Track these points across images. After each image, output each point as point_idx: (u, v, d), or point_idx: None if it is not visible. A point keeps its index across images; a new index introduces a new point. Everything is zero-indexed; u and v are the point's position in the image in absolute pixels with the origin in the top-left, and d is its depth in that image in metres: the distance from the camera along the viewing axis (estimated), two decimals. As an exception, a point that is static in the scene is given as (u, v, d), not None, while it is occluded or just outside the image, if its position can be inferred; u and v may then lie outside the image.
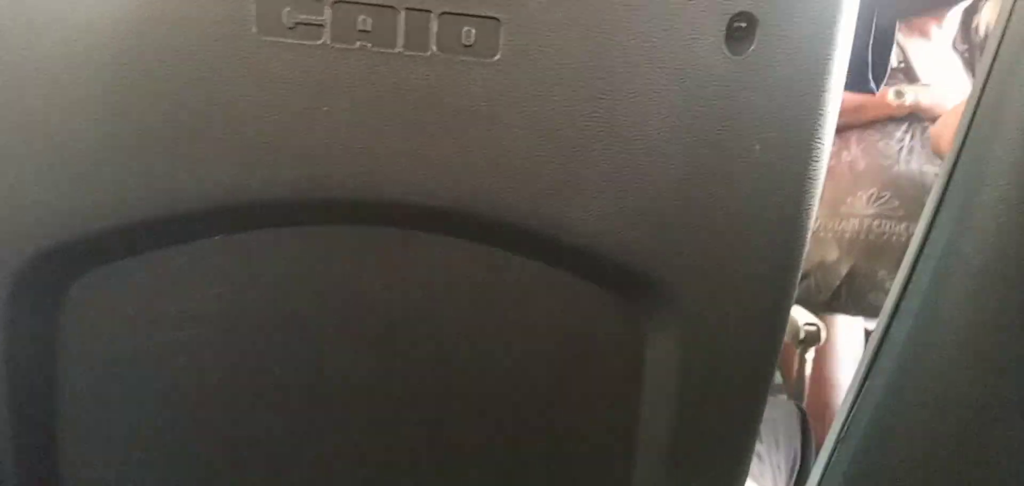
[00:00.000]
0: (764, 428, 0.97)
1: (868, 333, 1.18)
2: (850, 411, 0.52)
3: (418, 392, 0.43)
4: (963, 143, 0.44)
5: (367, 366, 0.42)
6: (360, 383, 0.42)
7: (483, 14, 0.35)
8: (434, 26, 0.35)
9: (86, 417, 0.42)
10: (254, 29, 0.35)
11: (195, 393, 0.42)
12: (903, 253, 0.48)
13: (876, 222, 1.34)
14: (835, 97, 0.40)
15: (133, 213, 0.37)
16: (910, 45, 1.40)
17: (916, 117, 1.35)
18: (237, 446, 0.43)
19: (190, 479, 0.44)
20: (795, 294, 0.45)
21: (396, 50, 0.35)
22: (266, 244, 0.40)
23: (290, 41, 0.35)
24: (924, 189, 1.29)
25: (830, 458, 0.53)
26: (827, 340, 1.27)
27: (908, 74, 1.39)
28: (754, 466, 0.92)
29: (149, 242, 0.39)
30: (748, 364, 0.46)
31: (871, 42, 0.96)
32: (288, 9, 0.35)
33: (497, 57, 0.36)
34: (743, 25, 0.37)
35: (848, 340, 1.47)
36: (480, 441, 0.45)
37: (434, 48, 0.35)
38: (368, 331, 0.42)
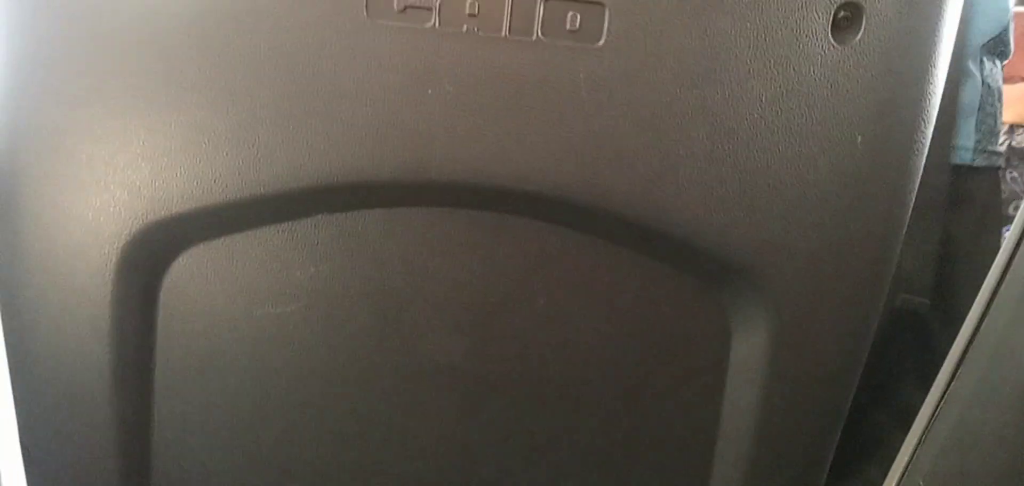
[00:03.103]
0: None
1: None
2: (934, 411, 0.51)
3: (506, 374, 0.44)
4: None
5: (458, 346, 0.43)
6: (451, 362, 0.43)
7: (589, 0, 0.35)
8: (540, 11, 0.36)
9: (182, 387, 0.44)
10: (364, 12, 0.35)
11: (288, 367, 0.43)
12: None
13: None
14: (938, 89, 0.39)
15: (240, 190, 0.38)
16: None
17: None
18: (328, 421, 0.44)
19: (280, 449, 0.45)
20: (887, 291, 0.44)
21: (502, 34, 0.36)
22: (364, 224, 0.40)
23: (399, 24, 0.36)
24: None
25: (910, 460, 0.52)
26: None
27: None
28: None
29: (252, 219, 0.40)
30: (835, 364, 0.45)
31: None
32: (397, -7, 0.35)
33: (601, 43, 0.36)
34: (848, 15, 0.37)
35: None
36: (562, 423, 0.45)
37: (539, 33, 0.36)
38: (460, 313, 0.42)
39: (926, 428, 0.52)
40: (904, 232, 0.42)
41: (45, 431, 0.45)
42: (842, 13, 0.37)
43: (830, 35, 0.37)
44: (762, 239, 0.39)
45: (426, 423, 0.44)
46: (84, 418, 0.43)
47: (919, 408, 0.47)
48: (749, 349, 0.44)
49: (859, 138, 0.39)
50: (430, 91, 0.36)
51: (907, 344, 0.64)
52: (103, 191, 0.38)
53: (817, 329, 0.43)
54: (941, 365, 0.48)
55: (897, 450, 0.55)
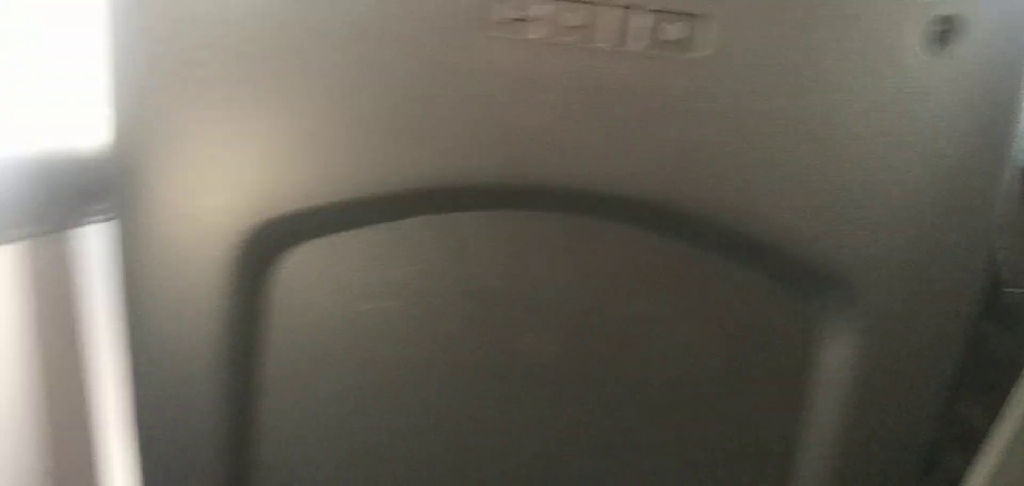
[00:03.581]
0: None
1: None
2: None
3: (595, 375, 0.45)
4: None
5: (550, 348, 0.44)
6: (542, 363, 0.45)
7: (687, 11, 0.37)
8: (639, 22, 0.37)
9: (285, 375, 0.46)
10: (475, 23, 0.38)
11: (386, 361, 0.45)
12: None
13: None
14: None
15: (350, 191, 0.40)
16: None
17: None
18: (421, 414, 0.46)
19: (375, 437, 0.47)
20: (977, 301, 0.44)
21: (602, 45, 0.38)
22: (464, 226, 0.42)
23: (507, 36, 0.38)
24: None
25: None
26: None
27: None
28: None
29: (359, 219, 0.42)
30: (924, 375, 0.45)
31: None
32: (506, 5, 0.37)
33: (697, 54, 0.37)
34: (943, 27, 0.38)
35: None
36: (648, 426, 0.46)
37: (640, 44, 0.37)
38: (553, 315, 0.44)
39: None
40: (991, 239, 0.43)
41: (157, 411, 0.48)
42: (937, 26, 0.38)
43: (924, 47, 0.38)
44: (853, 248, 0.40)
45: (516, 419, 0.46)
46: (195, 400, 0.46)
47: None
48: (836, 359, 0.44)
49: (948, 148, 0.39)
50: (533, 100, 0.38)
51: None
52: (223, 189, 0.41)
53: (906, 340, 0.44)
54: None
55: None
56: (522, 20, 0.38)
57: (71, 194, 0.48)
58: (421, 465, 0.47)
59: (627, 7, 0.37)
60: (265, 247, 0.43)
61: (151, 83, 0.41)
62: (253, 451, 0.48)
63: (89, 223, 0.49)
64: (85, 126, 0.48)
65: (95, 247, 0.52)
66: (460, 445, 0.47)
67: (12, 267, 0.46)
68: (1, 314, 0.46)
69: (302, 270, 0.44)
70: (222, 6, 0.39)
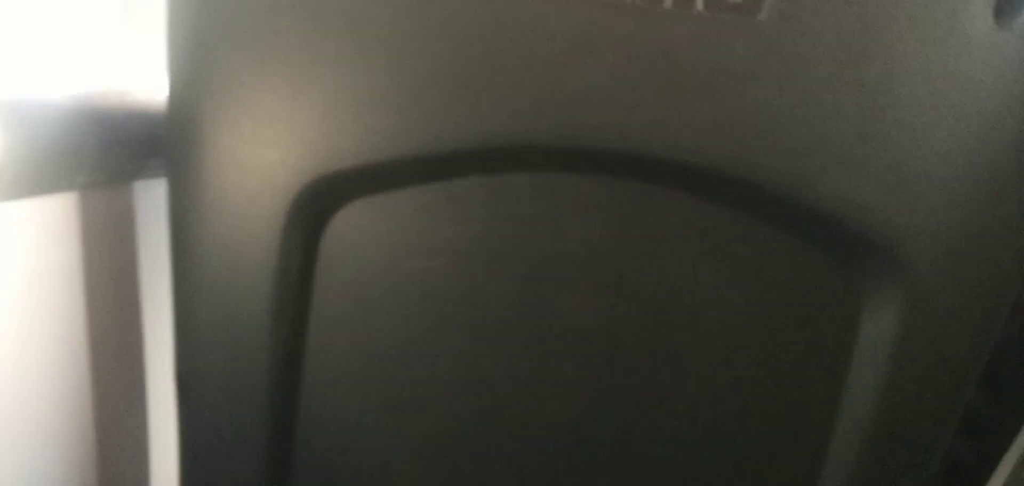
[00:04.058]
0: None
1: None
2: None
3: (638, 340, 0.45)
4: None
5: (594, 313, 0.45)
6: (586, 328, 0.45)
7: (752, -25, 0.37)
8: (704, -15, 0.37)
9: (333, 330, 0.47)
10: None
11: (432, 319, 0.46)
12: None
13: None
14: None
15: (405, 149, 0.41)
16: None
17: None
18: (464, 372, 0.47)
19: (418, 393, 0.47)
20: (1018, 282, 0.44)
21: (664, 6, 0.37)
22: (513, 187, 0.43)
23: (566, -6, 0.38)
24: None
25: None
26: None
27: None
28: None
29: (412, 177, 0.43)
30: (963, 349, 0.45)
31: None
32: (567, -35, 0.37)
33: (761, 17, 0.37)
34: (1012, -2, 0.37)
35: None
36: (687, 391, 0.46)
37: (700, 6, 0.37)
38: (599, 278, 0.44)
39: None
40: None
41: (203, 361, 0.48)
42: (1006, -5, 0.37)
43: (992, 16, 0.37)
44: (906, 218, 0.40)
45: (560, 383, 0.46)
46: (242, 352, 0.47)
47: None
48: (878, 329, 0.44)
49: (1013, 122, 0.39)
50: (590, 60, 0.38)
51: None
52: (280, 144, 0.42)
53: (949, 313, 0.43)
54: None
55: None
56: (583, -20, 0.37)
57: (130, 145, 0.48)
58: (463, 424, 0.48)
59: (691, -32, 0.37)
60: (320, 203, 0.44)
61: (206, 38, 0.41)
62: (298, 408, 0.49)
63: (147, 176, 0.50)
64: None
65: (152, 201, 0.53)
66: (503, 406, 0.47)
67: (67, 216, 0.46)
68: (53, 263, 0.47)
69: (353, 228, 0.45)
70: None
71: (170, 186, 0.45)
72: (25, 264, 0.44)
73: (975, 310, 0.44)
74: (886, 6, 0.37)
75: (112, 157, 0.46)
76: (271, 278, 0.45)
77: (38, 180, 0.39)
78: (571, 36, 0.38)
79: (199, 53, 0.41)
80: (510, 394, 0.47)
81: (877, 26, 0.37)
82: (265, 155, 0.42)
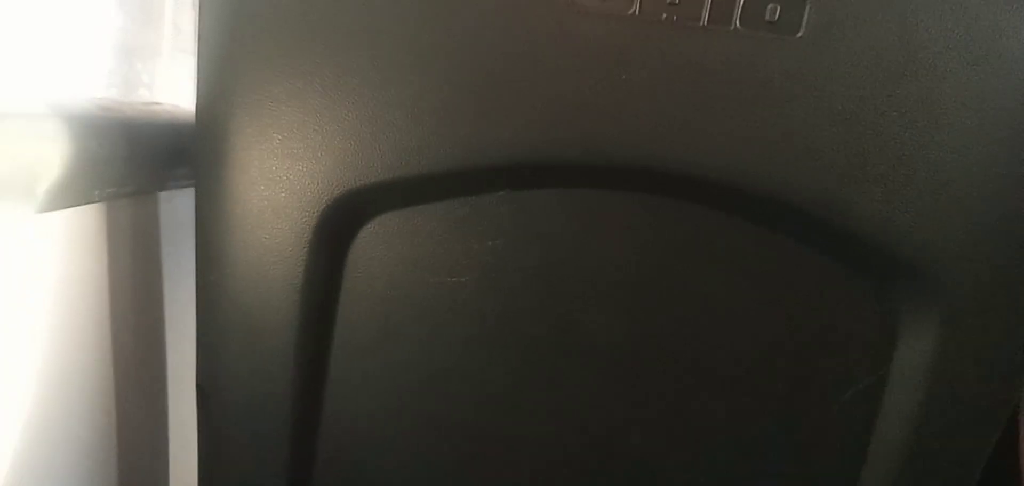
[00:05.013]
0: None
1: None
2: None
3: (666, 361, 0.45)
4: None
5: (621, 329, 0.44)
6: (613, 345, 0.44)
7: (790, -8, 0.36)
8: (741, 1, 0.36)
9: (357, 344, 0.46)
10: None
11: (457, 334, 0.45)
12: None
13: None
14: None
15: (436, 164, 0.40)
16: None
17: None
18: (489, 387, 0.46)
19: (442, 409, 0.47)
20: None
21: (700, 24, 0.37)
22: (541, 202, 0.42)
23: (600, 10, 0.37)
24: None
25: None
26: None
27: None
28: None
29: (441, 192, 0.42)
30: (1002, 374, 0.44)
31: None
32: (601, -20, 0.37)
33: (799, 35, 0.36)
34: (1055, 17, 0.36)
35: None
36: (715, 412, 0.46)
37: (737, 23, 0.37)
38: (627, 296, 0.43)
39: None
40: None
41: (225, 373, 0.48)
42: (1048, 15, 0.36)
43: None
44: (945, 240, 0.39)
45: (585, 399, 0.46)
46: (266, 365, 0.46)
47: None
48: (914, 353, 0.43)
49: None
50: (625, 77, 0.38)
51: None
52: (308, 158, 0.41)
53: (986, 338, 0.43)
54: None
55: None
56: (617, -4, 0.37)
57: (156, 156, 0.48)
58: (487, 440, 0.47)
59: (727, -15, 0.36)
60: (348, 217, 0.43)
61: (236, 52, 0.41)
62: (320, 421, 0.48)
63: (172, 187, 0.50)
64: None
65: (175, 211, 0.53)
66: (528, 421, 0.46)
67: (94, 226, 0.46)
68: (80, 273, 0.47)
69: (380, 242, 0.44)
70: None
71: (197, 197, 0.45)
72: (52, 275, 0.44)
73: (1014, 335, 0.43)
74: (926, 25, 0.36)
75: (139, 168, 0.46)
76: (297, 291, 0.44)
77: (68, 193, 0.39)
78: (605, 52, 0.38)
79: (229, 66, 0.41)
80: (536, 409, 0.46)
81: (917, 45, 0.36)
82: (293, 168, 0.42)
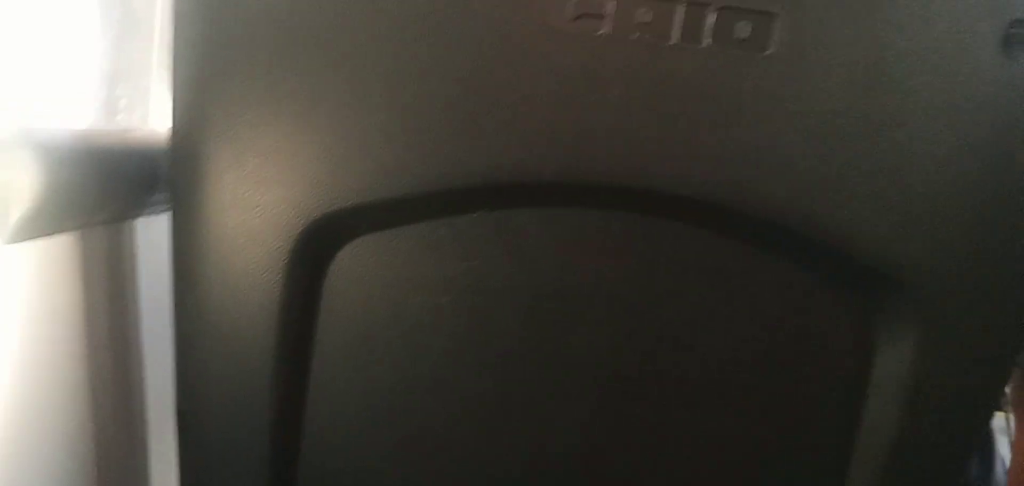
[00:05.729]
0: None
1: None
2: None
3: (646, 378, 0.45)
4: None
5: (601, 348, 0.44)
6: (593, 364, 0.44)
7: (759, 9, 0.36)
8: (711, 19, 0.37)
9: (337, 368, 0.46)
10: (539, 18, 0.37)
11: (438, 356, 0.45)
12: None
13: None
14: None
15: (411, 187, 0.40)
16: None
17: None
18: (471, 409, 0.46)
19: (424, 432, 0.47)
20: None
21: (671, 42, 0.37)
22: (519, 222, 0.42)
23: (572, 31, 0.37)
24: None
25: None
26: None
27: None
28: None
29: (417, 214, 0.42)
30: (980, 381, 0.44)
31: None
32: (574, 1, 0.37)
33: (769, 51, 0.37)
34: (1020, 31, 0.37)
35: None
36: (698, 427, 0.46)
37: (709, 41, 0.37)
38: (607, 314, 0.43)
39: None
40: None
41: (204, 400, 0.48)
42: (1014, 28, 0.37)
43: (1001, 51, 0.37)
44: (918, 252, 0.40)
45: (567, 418, 0.45)
46: (245, 390, 0.46)
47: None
48: (893, 362, 0.43)
49: (1020, 154, 0.39)
50: (597, 96, 0.38)
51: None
52: (283, 183, 0.41)
53: (964, 346, 0.43)
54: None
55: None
56: (590, 16, 0.37)
57: (132, 183, 0.48)
58: (470, 462, 0.47)
59: (700, 4, 0.36)
60: (322, 242, 0.43)
61: (210, 75, 0.41)
62: (300, 446, 0.48)
63: (149, 213, 0.50)
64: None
65: (152, 238, 0.53)
66: (511, 443, 0.46)
67: (68, 256, 0.46)
68: (54, 305, 0.46)
69: (357, 265, 0.44)
70: (284, 2, 0.39)
71: (173, 223, 0.44)
72: (24, 307, 0.43)
73: (990, 342, 0.43)
74: (895, 40, 0.37)
75: (113, 196, 0.45)
76: (274, 316, 0.44)
77: (40, 223, 0.39)
78: (577, 71, 0.38)
79: (202, 90, 0.41)
80: (518, 431, 0.46)
81: (886, 60, 0.37)
82: (269, 193, 0.42)
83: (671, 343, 0.44)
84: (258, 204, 0.42)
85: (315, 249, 0.43)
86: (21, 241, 0.39)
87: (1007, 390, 0.92)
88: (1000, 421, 1.08)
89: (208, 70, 0.41)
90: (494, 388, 0.45)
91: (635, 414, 0.45)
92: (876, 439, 0.45)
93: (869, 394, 0.45)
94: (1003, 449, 1.04)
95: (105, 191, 0.44)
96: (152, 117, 0.54)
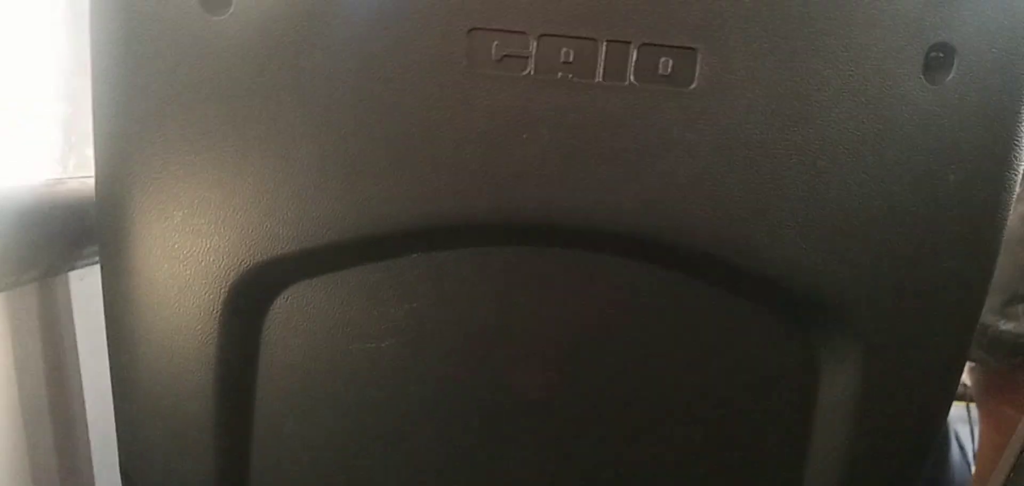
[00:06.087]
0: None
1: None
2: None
3: (592, 411, 0.44)
4: None
5: (545, 383, 0.44)
6: (538, 399, 0.44)
7: (681, 45, 0.36)
8: (633, 56, 0.37)
9: (280, 417, 0.45)
10: (464, 62, 0.37)
11: (381, 400, 0.44)
12: None
13: None
14: None
15: (343, 233, 0.40)
16: None
17: None
18: (417, 452, 0.45)
19: (370, 479, 0.46)
20: (976, 327, 0.44)
21: (595, 80, 0.37)
22: (457, 263, 0.42)
23: (497, 73, 0.37)
24: None
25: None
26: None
27: None
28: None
29: (352, 259, 0.42)
30: (926, 400, 0.45)
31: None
32: (496, 43, 0.37)
33: (693, 86, 0.37)
34: (941, 55, 0.37)
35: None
36: (647, 461, 0.45)
37: (632, 78, 0.37)
38: (548, 350, 0.43)
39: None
40: (994, 269, 0.42)
41: (147, 457, 0.47)
42: (934, 53, 0.37)
43: (923, 76, 0.37)
44: (854, 277, 0.40)
45: (512, 458, 0.45)
46: (187, 445, 0.45)
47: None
48: (838, 388, 0.43)
49: (951, 176, 0.39)
50: (526, 136, 0.38)
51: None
52: (213, 232, 0.41)
53: (908, 366, 0.43)
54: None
55: None
56: (512, 57, 0.37)
57: (61, 238, 0.47)
58: None
59: (621, 41, 0.36)
60: (256, 291, 0.42)
61: (132, 125, 0.40)
62: (247, 490, 0.47)
63: (83, 266, 0.49)
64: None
65: (91, 288, 0.51)
66: (455, 482, 0.46)
67: (-2, 315, 0.45)
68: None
69: (295, 311, 0.43)
70: (206, 48, 0.38)
71: (103, 277, 0.43)
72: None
73: (933, 361, 0.43)
74: (817, 71, 0.37)
75: (39, 252, 0.44)
76: (211, 368, 0.43)
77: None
78: (505, 113, 0.38)
79: (125, 142, 0.40)
80: (465, 472, 0.46)
81: (809, 91, 0.37)
82: (198, 244, 0.41)
83: (616, 378, 0.44)
84: (187, 256, 0.41)
85: (249, 299, 0.42)
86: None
87: (968, 383, 0.93)
88: (960, 410, 1.10)
89: (129, 122, 0.40)
90: (440, 428, 0.45)
91: (583, 451, 0.45)
92: (826, 465, 0.45)
93: (816, 421, 0.45)
94: (963, 432, 1.05)
95: (30, 248, 0.43)
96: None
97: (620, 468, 0.45)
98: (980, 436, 0.94)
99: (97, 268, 0.45)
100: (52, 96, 0.54)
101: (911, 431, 0.46)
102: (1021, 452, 0.49)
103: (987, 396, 0.89)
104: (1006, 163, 0.40)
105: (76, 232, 0.48)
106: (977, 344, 0.79)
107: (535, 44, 0.37)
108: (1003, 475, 0.51)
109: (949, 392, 0.46)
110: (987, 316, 0.78)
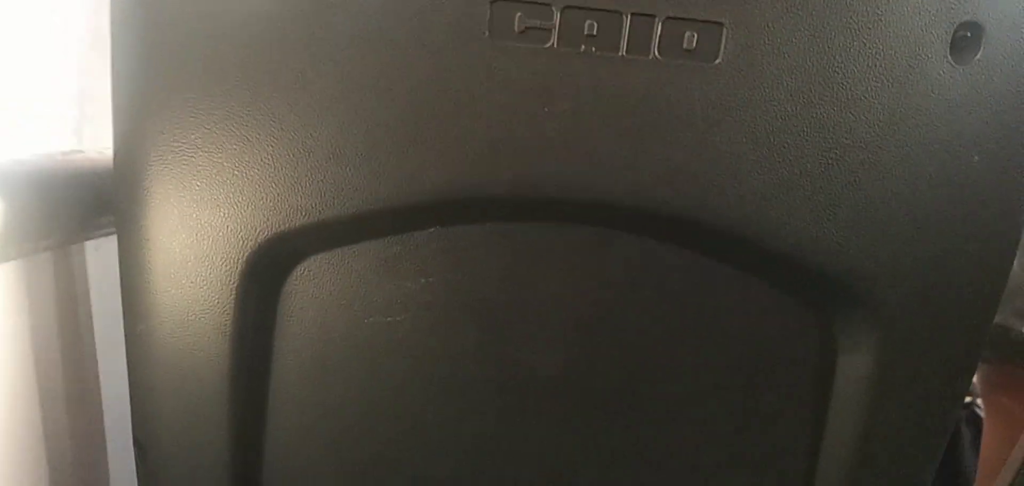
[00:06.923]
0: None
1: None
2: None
3: (606, 388, 0.44)
4: None
5: (560, 361, 0.43)
6: (552, 378, 0.44)
7: (707, 19, 0.36)
8: (658, 30, 0.36)
9: (294, 389, 0.45)
10: (486, 33, 0.37)
11: (395, 374, 0.44)
12: None
13: None
14: None
15: (361, 205, 0.39)
16: None
17: None
18: (430, 426, 0.45)
19: (384, 452, 0.46)
20: (995, 312, 0.44)
21: (619, 54, 0.37)
22: (474, 237, 0.41)
23: (519, 45, 0.37)
24: None
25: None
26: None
27: None
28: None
29: (369, 232, 0.41)
30: (942, 384, 0.44)
31: None
32: (520, 14, 0.36)
33: (718, 61, 0.36)
34: (968, 35, 0.37)
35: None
36: (661, 439, 0.45)
37: (656, 52, 0.36)
38: (564, 327, 0.43)
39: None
40: (1014, 254, 0.42)
41: (161, 427, 0.47)
42: (962, 32, 0.36)
43: (950, 55, 0.37)
44: (875, 258, 0.39)
45: (525, 433, 0.45)
46: (201, 416, 0.45)
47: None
48: (856, 369, 0.43)
49: (976, 157, 0.38)
50: (547, 109, 0.37)
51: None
52: (232, 203, 0.40)
53: (926, 350, 0.43)
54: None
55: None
56: (536, 29, 0.37)
57: (78, 207, 0.47)
58: (428, 479, 0.46)
59: (647, 14, 0.36)
60: (273, 263, 0.42)
61: (150, 97, 0.40)
62: (261, 470, 0.47)
63: (100, 236, 0.49)
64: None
65: (108, 259, 0.51)
66: (468, 459, 0.46)
67: (13, 285, 0.45)
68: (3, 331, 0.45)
69: (311, 284, 0.43)
70: (225, 20, 0.38)
71: (120, 248, 0.43)
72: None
73: (951, 344, 0.43)
74: (844, 48, 0.36)
75: (57, 221, 0.44)
76: (227, 339, 0.43)
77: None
78: (526, 85, 0.37)
79: (144, 113, 0.40)
80: (478, 444, 0.46)
81: (836, 67, 0.36)
82: (216, 215, 0.41)
83: (632, 355, 0.43)
84: (205, 227, 0.41)
85: (266, 270, 0.42)
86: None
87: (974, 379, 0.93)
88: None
89: (148, 92, 0.40)
90: (453, 403, 0.45)
91: (599, 427, 0.45)
92: (841, 446, 0.45)
93: (832, 401, 0.44)
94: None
95: (48, 217, 0.43)
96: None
97: (634, 445, 0.45)
98: (985, 430, 0.94)
99: (113, 238, 0.45)
100: (68, 69, 0.53)
101: (925, 415, 0.45)
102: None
103: (994, 392, 0.89)
104: (1031, 147, 0.39)
105: (92, 202, 0.47)
106: (994, 346, 0.79)
107: (559, 16, 0.36)
108: (1012, 473, 0.51)
109: (965, 379, 0.45)
110: (1008, 318, 0.78)
